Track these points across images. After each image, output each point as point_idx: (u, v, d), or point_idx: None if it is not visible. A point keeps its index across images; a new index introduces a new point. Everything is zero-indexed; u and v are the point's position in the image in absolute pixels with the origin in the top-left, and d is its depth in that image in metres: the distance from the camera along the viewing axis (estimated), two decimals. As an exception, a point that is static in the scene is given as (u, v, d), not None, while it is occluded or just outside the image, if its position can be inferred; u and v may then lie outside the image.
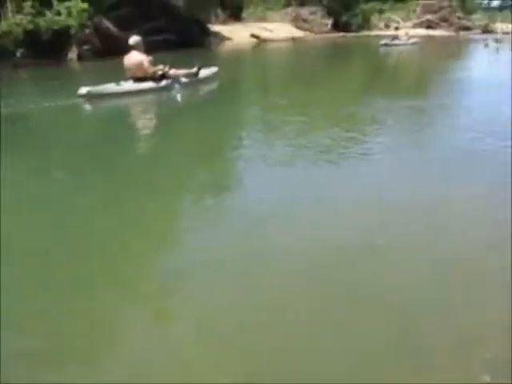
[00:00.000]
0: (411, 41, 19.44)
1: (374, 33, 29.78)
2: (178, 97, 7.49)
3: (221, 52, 17.75)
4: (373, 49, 19.37)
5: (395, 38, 19.01)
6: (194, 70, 8.05)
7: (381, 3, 33.66)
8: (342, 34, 28.73)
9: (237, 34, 23.29)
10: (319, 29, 29.12)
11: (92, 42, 14.47)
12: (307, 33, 28.12)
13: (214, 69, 8.82)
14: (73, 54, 14.04)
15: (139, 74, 7.20)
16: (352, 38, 27.43)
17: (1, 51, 12.22)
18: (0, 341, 1.85)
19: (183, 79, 7.82)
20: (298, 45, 23.22)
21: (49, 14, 13.28)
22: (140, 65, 7.17)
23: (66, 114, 6.09)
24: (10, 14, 12.46)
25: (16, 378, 1.71)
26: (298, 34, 27.14)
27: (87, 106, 6.43)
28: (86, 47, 14.27)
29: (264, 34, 24.69)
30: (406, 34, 20.03)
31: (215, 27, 22.93)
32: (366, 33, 29.99)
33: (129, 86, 7.09)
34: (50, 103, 6.37)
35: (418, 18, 31.92)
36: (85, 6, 13.68)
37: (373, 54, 17.67)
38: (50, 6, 13.39)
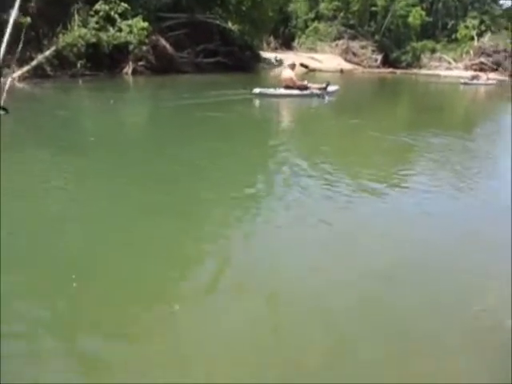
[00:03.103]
0: (489, 82, 21.90)
1: (423, 71, 29.55)
2: (314, 101, 10.61)
3: (270, 78, 18.07)
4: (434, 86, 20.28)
5: (474, 77, 21.73)
6: (324, 85, 10.97)
7: (434, 42, 33.47)
8: (390, 69, 28.73)
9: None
10: (368, 63, 29.26)
11: (148, 58, 15.13)
12: (356, 66, 28.30)
13: (335, 87, 11.58)
14: (128, 69, 14.71)
15: (289, 84, 10.47)
16: (402, 74, 27.31)
17: (62, 61, 12.99)
18: (0, 342, 1.84)
19: (316, 91, 10.77)
20: (347, 77, 23.33)
21: (111, 30, 14.04)
22: (290, 79, 10.52)
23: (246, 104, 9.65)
24: (75, 28, 13.24)
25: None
26: (347, 66, 27.34)
27: (257, 101, 9.95)
28: (141, 63, 14.94)
29: (313, 64, 25.03)
30: (486, 75, 22.82)
31: (266, 54, 23.49)
32: (415, 71, 29.76)
33: (282, 91, 10.46)
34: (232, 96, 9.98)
35: (471, 60, 31.47)
36: (145, 24, 14.39)
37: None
38: (113, 22, 14.19)
